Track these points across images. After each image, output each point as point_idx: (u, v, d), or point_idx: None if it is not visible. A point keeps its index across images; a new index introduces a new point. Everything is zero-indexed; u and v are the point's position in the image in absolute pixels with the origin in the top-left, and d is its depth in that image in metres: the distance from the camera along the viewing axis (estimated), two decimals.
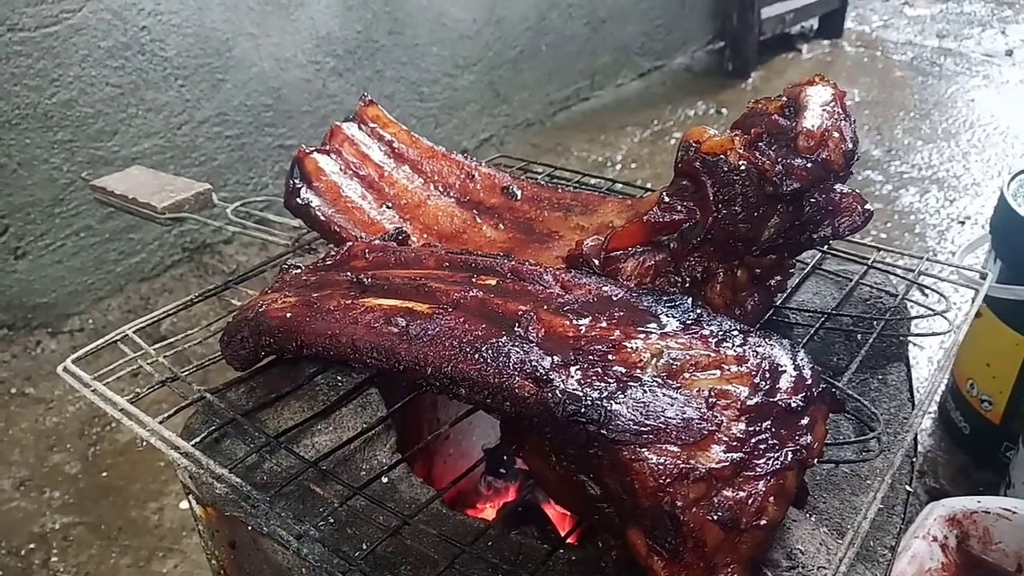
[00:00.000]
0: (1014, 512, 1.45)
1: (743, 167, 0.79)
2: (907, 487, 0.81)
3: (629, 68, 4.31)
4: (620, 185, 1.33)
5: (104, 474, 2.05)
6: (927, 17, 5.32)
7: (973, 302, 0.97)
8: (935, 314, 0.95)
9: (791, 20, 4.54)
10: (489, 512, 1.17)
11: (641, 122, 3.93)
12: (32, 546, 1.86)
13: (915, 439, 0.77)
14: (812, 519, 0.74)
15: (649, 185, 1.33)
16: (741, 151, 0.80)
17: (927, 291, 1.04)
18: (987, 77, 4.30)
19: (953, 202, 3.10)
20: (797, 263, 0.97)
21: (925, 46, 4.79)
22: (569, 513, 0.95)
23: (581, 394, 0.63)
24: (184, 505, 1.93)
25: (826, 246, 1.10)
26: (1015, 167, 1.79)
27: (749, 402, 0.64)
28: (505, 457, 1.21)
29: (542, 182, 1.23)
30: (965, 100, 4.01)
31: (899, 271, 1.06)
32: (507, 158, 1.44)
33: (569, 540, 0.76)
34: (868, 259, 1.08)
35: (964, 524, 1.47)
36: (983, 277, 1.05)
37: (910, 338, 1.00)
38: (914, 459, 0.85)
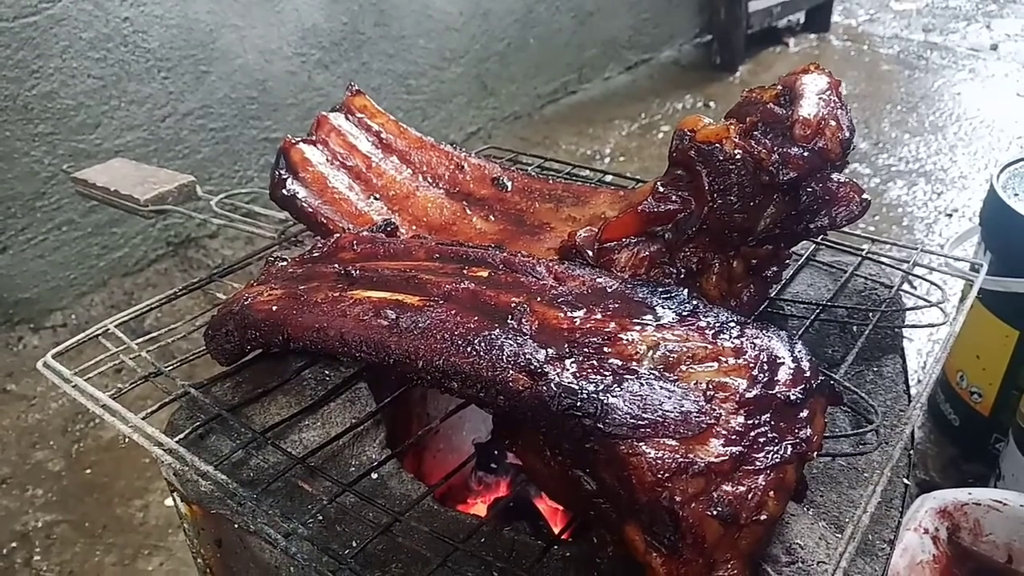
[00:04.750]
0: (1004, 504, 1.45)
1: (739, 156, 0.78)
2: (905, 480, 0.80)
3: (616, 61, 4.29)
4: (611, 177, 1.32)
5: (88, 471, 2.02)
6: (913, 11, 5.33)
7: (968, 294, 0.97)
8: (931, 305, 0.95)
9: (778, 14, 4.53)
10: (480, 507, 1.16)
11: (629, 115, 3.91)
12: (14, 545, 1.83)
13: (913, 432, 0.77)
14: (810, 513, 0.73)
15: (638, 177, 1.32)
16: (737, 140, 0.79)
17: (921, 282, 1.03)
18: (973, 71, 4.31)
19: (940, 195, 3.11)
20: (792, 254, 0.96)
21: (911, 40, 4.80)
22: (563, 509, 0.93)
23: (577, 387, 0.61)
24: (170, 502, 1.90)
25: (820, 236, 1.09)
26: (1002, 159, 1.79)
27: (748, 395, 0.63)
28: (496, 451, 1.19)
29: (532, 173, 1.21)
30: (951, 94, 4.02)
31: (894, 262, 1.06)
32: (497, 149, 1.43)
33: (563, 536, 0.75)
34: (862, 250, 1.07)
35: (955, 516, 1.47)
36: (976, 268, 1.04)
37: (904, 330, 0.99)
38: (911, 452, 0.84)
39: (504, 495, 1.16)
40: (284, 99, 2.86)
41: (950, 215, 2.98)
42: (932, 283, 1.00)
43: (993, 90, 4.06)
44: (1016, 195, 1.65)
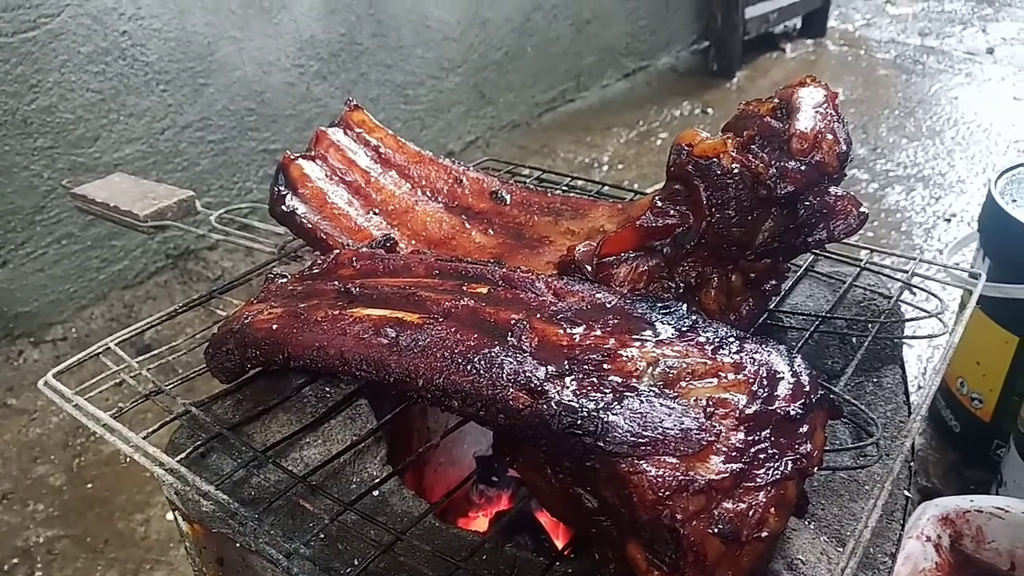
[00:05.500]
0: (1007, 511, 1.45)
1: (736, 170, 0.78)
2: (906, 492, 0.80)
3: (614, 69, 4.30)
4: (608, 187, 1.32)
5: (89, 485, 2.02)
6: (909, 16, 5.35)
7: (968, 303, 0.97)
8: (930, 315, 0.95)
9: (775, 20, 4.54)
10: (482, 521, 1.16)
11: (627, 123, 3.92)
12: (16, 561, 1.82)
13: (913, 444, 0.77)
14: (811, 527, 0.73)
15: (636, 186, 1.32)
16: (734, 154, 0.79)
17: (920, 292, 1.03)
18: (969, 75, 4.32)
19: (939, 200, 3.11)
20: (790, 267, 0.96)
21: (908, 44, 4.81)
22: (565, 525, 0.93)
23: (577, 405, 0.61)
24: (171, 516, 1.90)
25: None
26: (999, 164, 1.79)
27: (748, 411, 0.63)
28: (497, 465, 1.19)
29: (531, 186, 1.21)
30: (948, 98, 4.03)
31: (892, 272, 1.06)
32: (495, 161, 1.43)
33: (565, 553, 0.75)
34: (860, 260, 1.08)
35: (957, 523, 1.47)
36: (975, 276, 1.04)
37: (904, 340, 0.99)
38: (912, 463, 0.84)
39: (506, 508, 1.16)
40: (283, 110, 2.87)
41: (948, 220, 2.98)
42: (930, 293, 1.00)
43: (990, 94, 4.07)
44: (1014, 201, 1.65)
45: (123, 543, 1.86)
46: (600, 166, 3.55)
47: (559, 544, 1.00)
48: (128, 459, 2.01)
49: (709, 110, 4.01)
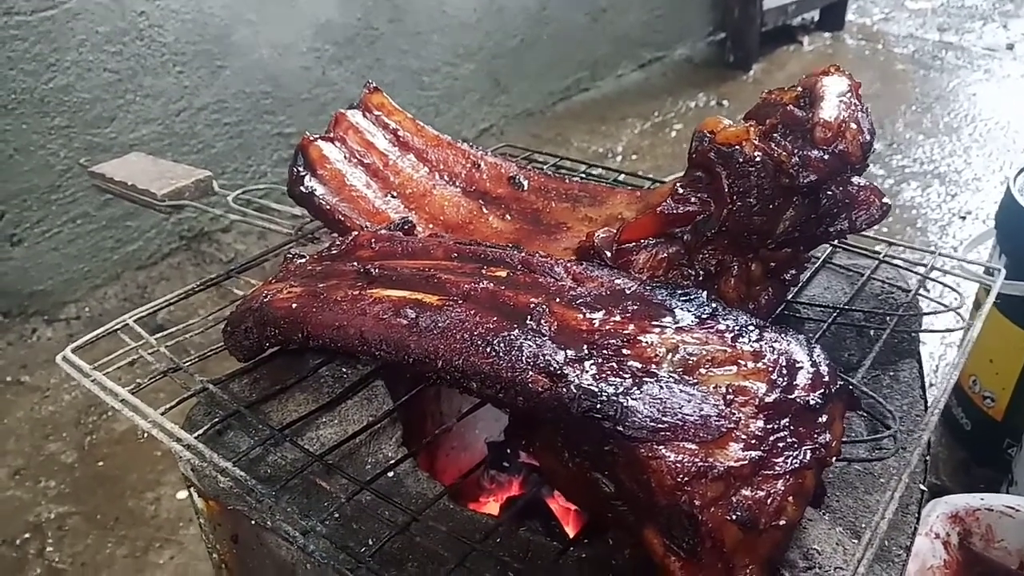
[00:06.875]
0: (1017, 510, 1.44)
1: (759, 158, 0.78)
2: (921, 486, 0.80)
3: (629, 59, 4.28)
4: (624, 175, 1.32)
5: (100, 463, 2.03)
6: (928, 10, 5.30)
7: (986, 299, 0.96)
8: (948, 309, 0.94)
9: (793, 12, 4.51)
10: (492, 506, 1.16)
11: (642, 113, 3.90)
12: (27, 536, 1.84)
13: (929, 438, 0.76)
14: (827, 518, 0.73)
15: (651, 176, 1.31)
16: (756, 142, 0.78)
17: (936, 285, 1.03)
18: (988, 71, 4.28)
19: (955, 196, 3.09)
20: (810, 257, 0.96)
21: (926, 39, 4.77)
22: (578, 509, 0.93)
23: (596, 389, 0.61)
24: (181, 495, 1.91)
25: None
26: (1018, 162, 1.78)
27: (767, 399, 0.62)
28: (508, 450, 1.19)
29: (548, 172, 1.21)
30: (966, 94, 3.99)
31: (911, 266, 1.05)
32: (512, 147, 1.43)
33: (579, 538, 0.75)
34: (878, 253, 1.07)
35: (967, 521, 1.46)
36: (991, 272, 1.04)
37: (921, 334, 0.99)
38: (928, 457, 0.84)
39: (516, 494, 1.16)
40: (298, 94, 2.87)
41: (964, 217, 2.96)
42: (949, 287, 0.99)
43: (1009, 91, 4.04)
44: None
45: (133, 521, 1.87)
46: (614, 156, 3.54)
47: (570, 531, 1.01)
48: (142, 436, 2.03)
49: (725, 102, 3.99)
